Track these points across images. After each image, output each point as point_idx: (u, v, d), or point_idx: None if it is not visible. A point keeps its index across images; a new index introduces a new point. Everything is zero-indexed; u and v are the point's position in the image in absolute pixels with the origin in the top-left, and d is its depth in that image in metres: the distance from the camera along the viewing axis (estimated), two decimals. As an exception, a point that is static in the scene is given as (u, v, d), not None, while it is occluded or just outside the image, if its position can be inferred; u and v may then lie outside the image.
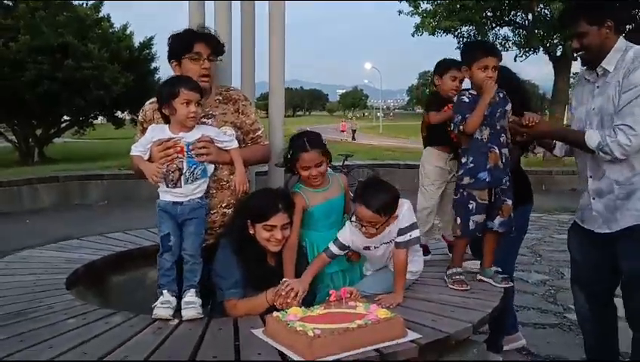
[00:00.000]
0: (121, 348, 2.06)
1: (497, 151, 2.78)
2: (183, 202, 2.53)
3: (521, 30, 17.58)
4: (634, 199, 2.68)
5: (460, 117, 2.79)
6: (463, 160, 2.84)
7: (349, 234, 2.64)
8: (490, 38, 17.19)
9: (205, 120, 2.75)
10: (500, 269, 2.90)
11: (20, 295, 2.66)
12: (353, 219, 2.60)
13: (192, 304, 2.39)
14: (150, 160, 2.56)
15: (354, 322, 2.12)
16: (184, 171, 2.53)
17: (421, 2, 16.48)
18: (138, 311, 2.49)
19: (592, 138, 2.66)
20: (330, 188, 2.92)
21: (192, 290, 2.46)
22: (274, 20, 3.36)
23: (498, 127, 2.81)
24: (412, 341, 2.13)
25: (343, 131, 37.57)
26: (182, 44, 2.78)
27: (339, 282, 2.80)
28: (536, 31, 16.43)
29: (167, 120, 2.62)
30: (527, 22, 17.22)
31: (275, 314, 2.23)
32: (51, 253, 3.45)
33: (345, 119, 56.67)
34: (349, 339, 2.05)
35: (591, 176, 2.81)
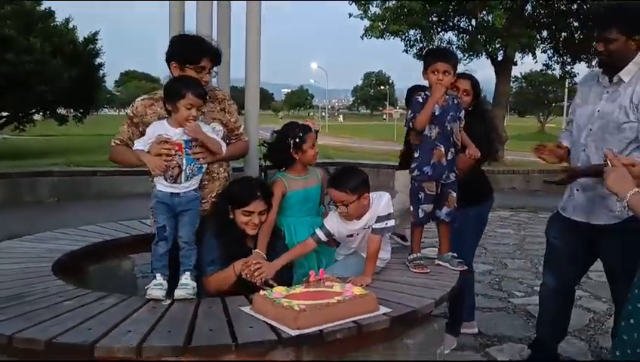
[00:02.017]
0: (122, 324, 2.24)
1: (443, 149, 3.07)
2: (180, 193, 2.73)
3: (464, 35, 18.22)
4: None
5: (412, 114, 3.09)
6: (415, 154, 3.13)
7: (335, 223, 2.89)
8: (436, 42, 17.78)
9: None
10: (455, 254, 3.21)
11: (10, 281, 2.77)
12: (331, 204, 2.87)
13: (185, 285, 2.61)
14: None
15: (333, 298, 2.39)
16: (184, 168, 2.72)
17: (370, 6, 16.89)
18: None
19: None
20: (309, 177, 3.23)
21: (187, 273, 2.67)
22: (250, 19, 3.54)
23: (448, 128, 3.08)
24: (384, 314, 2.42)
25: None
26: (190, 55, 2.91)
27: (312, 261, 3.08)
28: (479, 36, 17.12)
29: (169, 112, 2.78)
30: (470, 27, 17.87)
31: (262, 292, 2.47)
32: (30, 243, 3.55)
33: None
34: (330, 313, 2.31)
35: None
